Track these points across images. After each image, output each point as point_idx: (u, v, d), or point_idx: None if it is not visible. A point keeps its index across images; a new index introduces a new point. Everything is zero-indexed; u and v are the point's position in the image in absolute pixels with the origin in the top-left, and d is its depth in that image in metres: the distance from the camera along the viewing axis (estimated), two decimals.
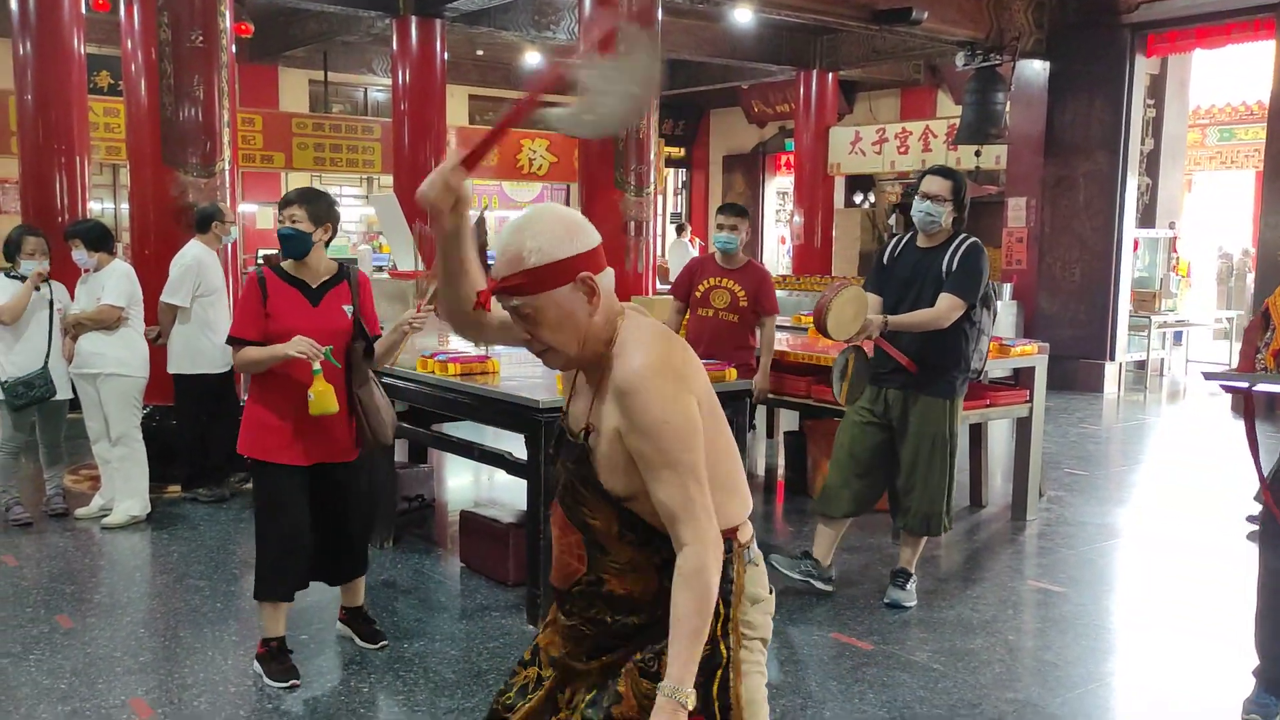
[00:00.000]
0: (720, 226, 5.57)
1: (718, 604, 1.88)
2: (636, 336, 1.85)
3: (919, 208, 4.39)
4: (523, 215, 1.86)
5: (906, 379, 4.45)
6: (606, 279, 1.86)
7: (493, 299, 1.89)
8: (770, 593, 1.99)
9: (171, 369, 6.03)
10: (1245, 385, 3.34)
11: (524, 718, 1.99)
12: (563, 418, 1.98)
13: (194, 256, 5.94)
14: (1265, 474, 3.39)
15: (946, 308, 4.30)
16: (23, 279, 5.55)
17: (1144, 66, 10.86)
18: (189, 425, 6.15)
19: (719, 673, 1.87)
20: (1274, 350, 3.30)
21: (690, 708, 1.75)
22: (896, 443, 4.52)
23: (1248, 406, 3.48)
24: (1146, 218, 11.75)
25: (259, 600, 3.81)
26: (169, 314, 5.92)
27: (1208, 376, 3.98)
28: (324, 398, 3.53)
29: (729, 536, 1.91)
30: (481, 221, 4.99)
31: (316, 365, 3.52)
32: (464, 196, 1.84)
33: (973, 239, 4.42)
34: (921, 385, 4.44)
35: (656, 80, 1.87)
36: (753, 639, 1.95)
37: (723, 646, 1.88)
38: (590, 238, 1.84)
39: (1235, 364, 3.84)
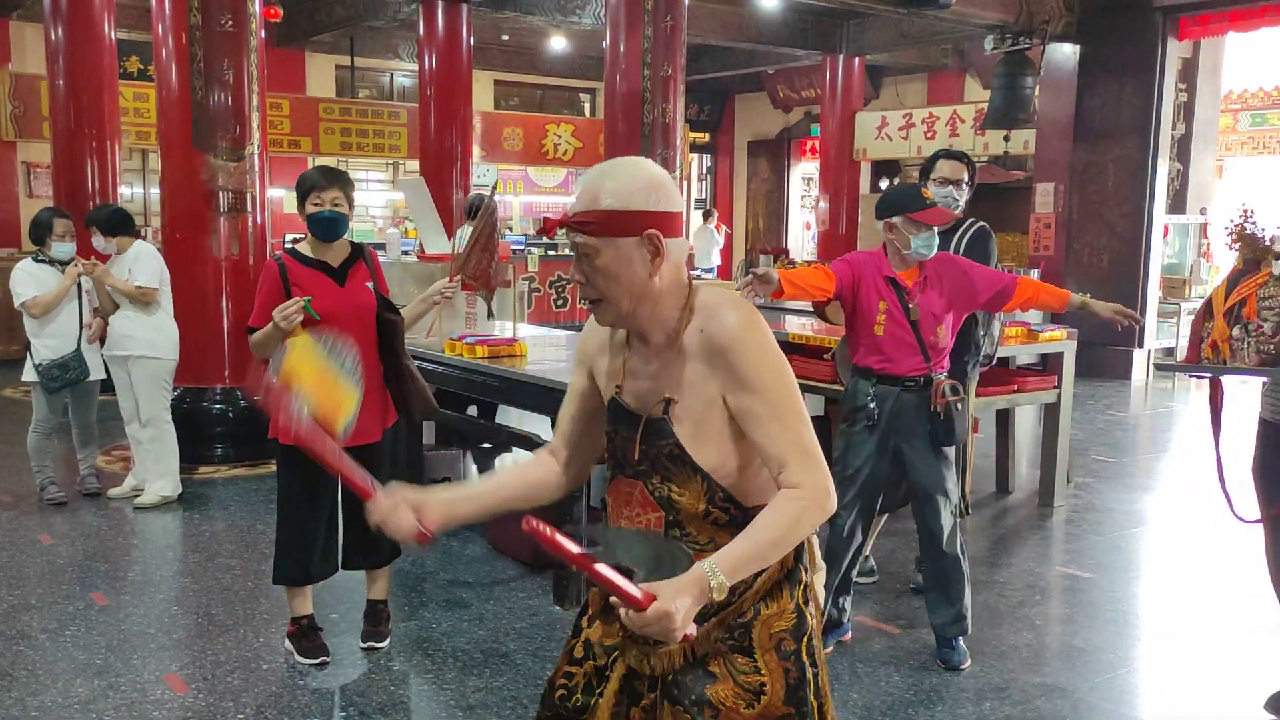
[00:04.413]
0: None
1: (800, 571, 1.88)
2: (718, 299, 1.81)
3: (939, 194, 4.29)
4: (613, 160, 1.83)
5: None
6: (677, 247, 1.81)
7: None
8: (822, 560, 2.00)
9: None
10: (1210, 374, 3.42)
11: (607, 711, 1.91)
12: (617, 393, 1.89)
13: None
14: (1221, 460, 3.54)
15: None
16: (52, 262, 5.61)
17: (1176, 50, 10.72)
18: None
19: (805, 640, 1.87)
20: (1211, 341, 3.38)
21: (717, 600, 1.66)
22: None
23: (1213, 395, 3.57)
24: (1177, 204, 11.62)
25: (276, 584, 3.86)
26: None
27: (1159, 367, 4.01)
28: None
29: None
30: (491, 206, 4.95)
31: (299, 318, 3.45)
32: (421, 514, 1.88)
33: (980, 223, 4.36)
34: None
35: None
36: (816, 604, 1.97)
37: (806, 613, 1.88)
38: (671, 201, 1.79)
39: (1185, 355, 3.82)
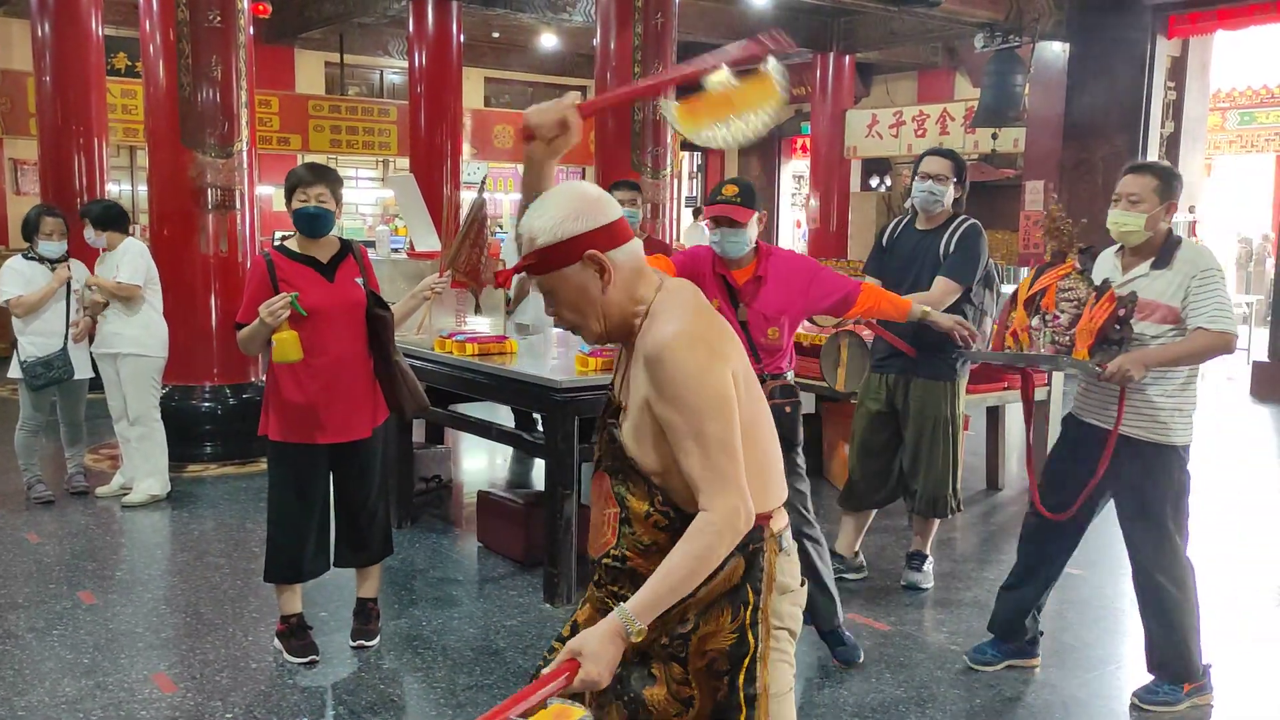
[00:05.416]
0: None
1: (747, 592, 1.84)
2: (670, 306, 1.82)
3: (920, 188, 4.33)
4: (541, 197, 1.87)
5: (905, 363, 4.41)
6: (625, 254, 1.83)
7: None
8: (801, 584, 1.95)
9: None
10: (1008, 362, 3.58)
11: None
12: (610, 388, 1.97)
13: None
14: (1035, 454, 3.64)
15: (941, 291, 4.23)
16: (41, 259, 5.58)
17: (1165, 48, 10.77)
18: None
19: (745, 662, 1.83)
20: (1013, 330, 3.46)
21: (635, 642, 1.73)
22: (901, 427, 4.51)
23: (1024, 385, 3.69)
24: None
25: (268, 582, 3.84)
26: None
27: (961, 355, 4.11)
28: (284, 345, 3.44)
29: (761, 523, 1.86)
30: (482, 205, 4.94)
31: (285, 314, 3.45)
32: (570, 131, 1.91)
33: (971, 220, 4.37)
34: (920, 368, 4.39)
35: (780, 110, 1.91)
36: (780, 629, 1.91)
37: (750, 636, 1.84)
38: (601, 214, 1.81)
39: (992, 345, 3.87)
